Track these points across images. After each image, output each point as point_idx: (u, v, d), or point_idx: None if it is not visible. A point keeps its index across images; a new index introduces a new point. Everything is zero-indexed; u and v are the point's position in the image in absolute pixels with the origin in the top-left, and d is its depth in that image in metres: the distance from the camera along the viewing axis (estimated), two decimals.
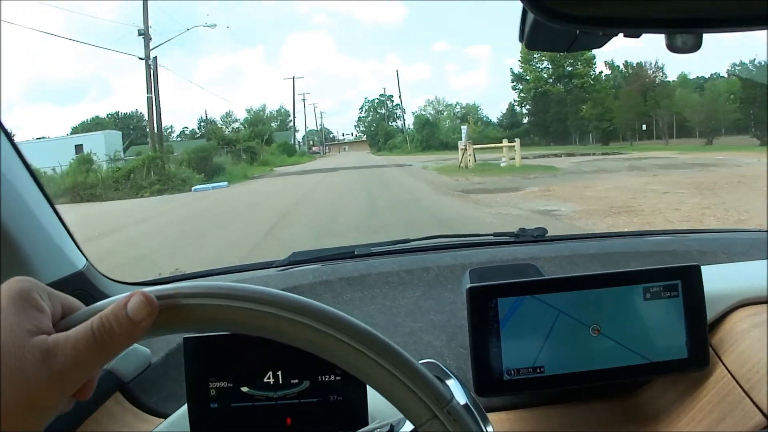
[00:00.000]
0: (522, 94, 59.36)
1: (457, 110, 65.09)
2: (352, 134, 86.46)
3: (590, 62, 55.38)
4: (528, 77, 58.57)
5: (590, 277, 1.17)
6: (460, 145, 27.32)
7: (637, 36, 0.76)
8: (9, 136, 1.14)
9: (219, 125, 62.33)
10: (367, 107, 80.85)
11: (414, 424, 0.63)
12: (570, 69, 56.27)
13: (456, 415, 0.62)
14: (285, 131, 72.17)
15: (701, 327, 1.18)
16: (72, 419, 1.13)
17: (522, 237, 1.72)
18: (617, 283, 1.16)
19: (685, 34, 0.73)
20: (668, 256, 1.54)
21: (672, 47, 0.73)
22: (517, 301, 1.14)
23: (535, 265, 1.42)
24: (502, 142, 28.54)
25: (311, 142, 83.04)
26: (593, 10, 0.71)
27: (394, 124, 74.73)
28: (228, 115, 67.81)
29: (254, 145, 43.55)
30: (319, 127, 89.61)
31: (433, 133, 58.26)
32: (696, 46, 0.72)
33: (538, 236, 1.71)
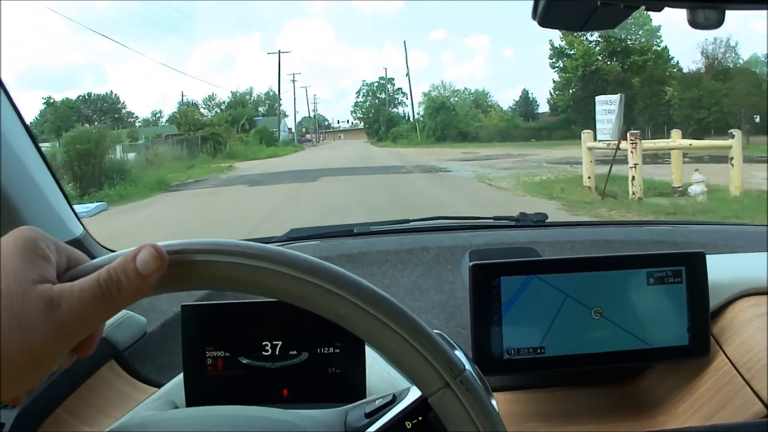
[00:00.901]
0: (566, 74, 45.20)
1: (465, 96, 57.46)
2: (348, 122, 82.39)
3: (654, 33, 42.97)
4: (573, 52, 44.47)
5: (594, 259, 1.16)
6: (599, 139, 12.88)
7: (659, 10, 0.74)
8: (14, 105, 1.13)
9: (200, 109, 58.42)
10: (364, 91, 73.94)
11: (424, 393, 0.61)
12: (628, 43, 43.04)
13: (469, 386, 0.60)
14: (273, 116, 66.16)
15: (704, 315, 1.17)
16: (66, 386, 1.11)
17: (522, 221, 1.71)
18: (621, 267, 1.15)
19: (707, 9, 0.71)
20: (669, 246, 1.53)
21: (694, 23, 0.71)
22: (519, 280, 1.13)
23: (534, 249, 1.41)
24: (629, 138, 11.62)
25: (304, 130, 78.66)
26: None
27: (395, 110, 68.17)
28: (211, 98, 63.04)
29: (219, 131, 37.09)
30: (312, 113, 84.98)
31: (450, 120, 48.81)
32: (719, 21, 0.71)
33: (539, 221, 1.70)
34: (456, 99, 55.24)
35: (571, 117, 44.11)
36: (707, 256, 1.19)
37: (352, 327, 0.60)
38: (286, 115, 67.87)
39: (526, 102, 54.86)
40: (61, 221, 1.25)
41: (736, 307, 1.22)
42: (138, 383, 1.25)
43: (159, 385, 1.20)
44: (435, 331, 0.75)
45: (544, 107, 53.35)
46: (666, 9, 0.74)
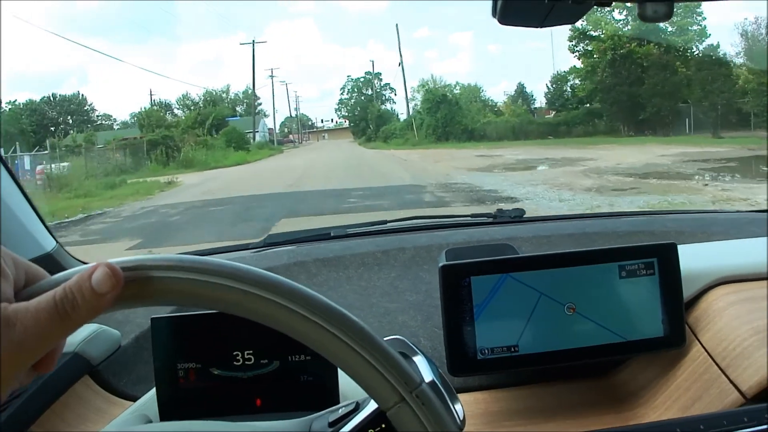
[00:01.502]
0: (591, 58, 35.95)
1: (456, 91, 47.59)
2: (332, 120, 75.63)
3: (695, 11, 31.82)
4: (600, 33, 34.96)
5: (564, 255, 1.16)
6: None
7: (609, 5, 0.75)
8: None
9: (174, 109, 50.79)
10: (350, 87, 65.34)
11: (382, 408, 0.61)
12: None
13: (425, 399, 0.60)
14: (255, 115, 59.48)
15: (678, 305, 1.17)
16: (40, 403, 1.11)
17: (500, 218, 1.71)
18: (592, 262, 1.15)
19: (656, 2, 0.72)
20: (646, 236, 1.54)
21: (643, 16, 0.72)
22: (490, 279, 1.12)
23: (511, 245, 1.40)
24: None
25: (287, 130, 73.62)
26: None
27: (383, 106, 59.45)
28: (185, 97, 54.23)
29: (174, 134, 32.30)
30: (294, 112, 78.80)
31: (453, 116, 40.87)
32: (667, 15, 0.71)
33: (516, 217, 1.70)
34: (458, 91, 46.85)
35: (596, 110, 37.39)
36: (681, 246, 1.19)
37: (307, 341, 0.60)
38: (266, 115, 61.93)
39: (522, 96, 48.17)
40: (32, 236, 1.24)
41: (710, 296, 1.22)
42: (114, 398, 1.24)
43: (135, 399, 1.20)
44: (394, 336, 0.75)
45: (540, 101, 46.72)
46: (614, 4, 0.74)
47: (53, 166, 21.18)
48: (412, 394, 0.60)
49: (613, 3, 0.74)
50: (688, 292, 1.20)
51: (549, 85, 43.88)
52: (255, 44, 52.94)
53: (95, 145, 29.67)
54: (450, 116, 41.13)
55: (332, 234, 1.66)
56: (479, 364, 1.13)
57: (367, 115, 58.81)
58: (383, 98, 61.69)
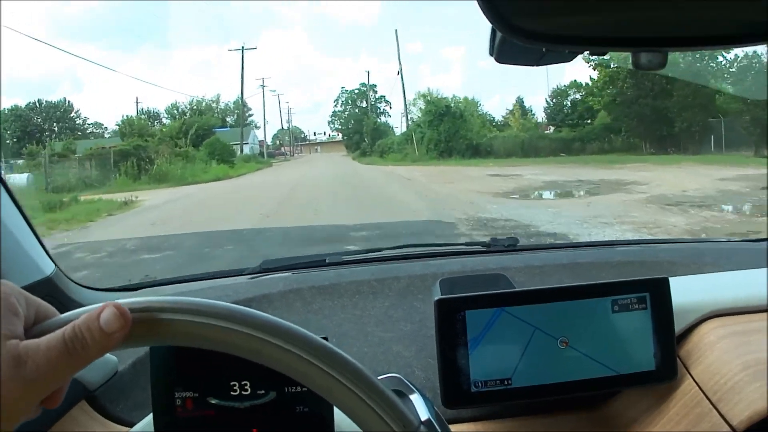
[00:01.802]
0: (610, 68, 31.57)
1: (451, 105, 42.08)
2: (324, 133, 74.54)
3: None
4: None
5: (558, 289, 1.17)
6: None
7: (603, 54, 0.76)
8: None
9: (163, 119, 48.50)
10: (344, 99, 64.12)
11: None
12: None
13: None
14: (244, 126, 55.93)
15: (669, 339, 1.18)
16: (37, 427, 1.11)
17: (493, 247, 1.72)
18: (586, 296, 1.16)
19: (650, 52, 0.73)
20: (638, 266, 1.55)
21: (637, 64, 0.73)
22: (484, 313, 1.14)
23: (505, 276, 1.42)
24: None
25: (279, 142, 72.04)
26: (558, 29, 0.71)
27: (379, 119, 57.79)
28: (174, 106, 52.11)
29: (149, 144, 28.92)
30: (287, 124, 76.89)
31: (457, 130, 37.26)
32: (661, 64, 0.73)
33: (510, 246, 1.72)
34: (460, 104, 41.87)
35: (613, 125, 34.45)
36: (673, 279, 1.21)
37: (309, 383, 0.62)
38: (257, 126, 59.58)
39: (522, 111, 45.82)
40: (32, 260, 1.25)
41: (702, 330, 1.23)
42: (110, 423, 1.25)
43: (131, 425, 1.20)
44: (391, 375, 0.77)
45: (539, 116, 44.63)
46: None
47: (10, 177, 18.48)
48: None
49: (609, 52, 0.76)
50: (679, 325, 1.22)
51: (549, 99, 42.88)
52: (244, 51, 50.72)
53: (75, 153, 27.56)
54: (453, 130, 37.73)
55: (327, 261, 1.67)
56: (473, 396, 1.14)
57: (361, 128, 57.11)
58: (378, 111, 59.86)
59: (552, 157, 32.75)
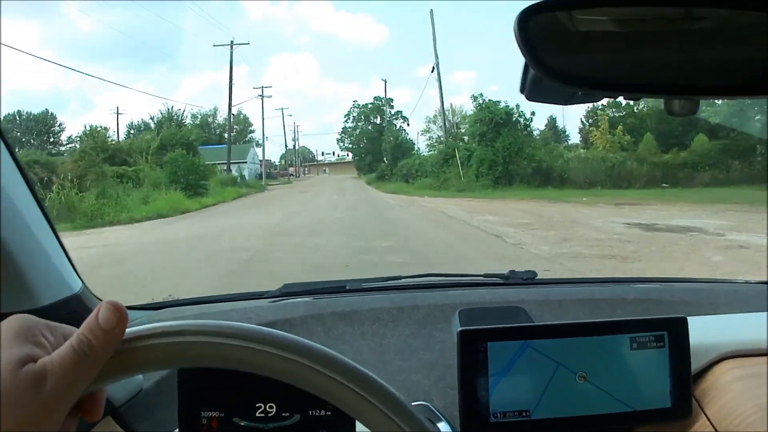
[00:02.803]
0: None
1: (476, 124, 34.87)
2: (333, 153, 69.06)
3: None
4: None
5: (579, 325, 1.19)
6: None
7: (637, 99, 0.79)
8: (13, 154, 1.15)
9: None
10: (355, 115, 56.44)
11: None
12: None
13: None
14: (244, 143, 53.70)
15: (686, 378, 1.20)
16: None
17: (512, 279, 1.74)
18: (606, 332, 1.18)
19: (682, 99, 0.76)
20: (654, 304, 1.56)
21: (670, 111, 0.76)
22: (506, 345, 1.15)
23: (524, 309, 1.44)
24: None
25: (285, 162, 67.96)
26: (594, 75, 0.74)
27: (401, 134, 49.22)
28: (152, 117, 47.72)
29: (47, 160, 24.07)
30: (292, 143, 71.26)
31: (520, 147, 28.35)
32: (693, 110, 0.75)
33: (528, 279, 1.73)
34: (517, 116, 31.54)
35: (730, 145, 25.74)
36: (690, 318, 1.22)
37: (337, 402, 0.64)
38: (258, 144, 54.25)
39: (554, 132, 40.45)
40: (61, 277, 1.26)
41: (717, 370, 1.25)
42: None
43: None
44: (420, 402, 0.79)
45: (573, 137, 39.36)
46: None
47: None
48: None
49: (642, 98, 0.78)
50: (695, 364, 1.22)
51: (584, 120, 36.94)
52: (233, 46, 42.45)
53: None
54: (515, 147, 27.92)
55: (347, 287, 1.69)
56: (492, 426, 1.15)
57: (374, 148, 51.07)
58: (394, 129, 50.92)
59: (650, 189, 24.45)
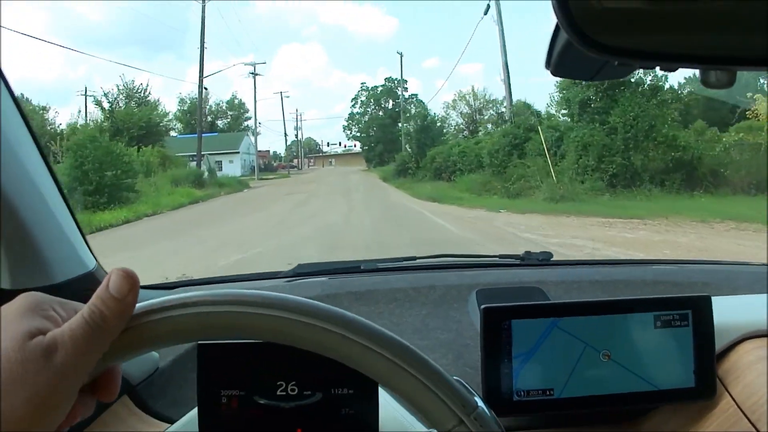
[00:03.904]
0: None
1: (502, 110, 30.76)
2: (339, 144, 63.05)
3: None
4: None
5: (603, 302, 1.18)
6: None
7: (674, 70, 0.77)
8: (33, 133, 1.14)
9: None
10: (363, 99, 49.43)
11: (440, 430, 0.64)
12: None
13: (483, 422, 0.63)
14: (239, 131, 46.80)
15: (710, 357, 1.19)
16: (79, 421, 1.12)
17: (528, 260, 1.73)
18: (629, 310, 1.17)
19: (719, 70, 0.74)
20: (672, 286, 1.55)
21: (706, 82, 0.74)
22: (529, 323, 1.15)
23: (541, 289, 1.43)
24: None
25: (288, 154, 61.11)
26: (634, 42, 0.72)
27: (405, 125, 38.14)
28: (105, 94, 36.07)
29: None
30: (296, 133, 64.84)
31: (651, 128, 17.72)
32: (730, 82, 0.73)
33: (544, 260, 1.72)
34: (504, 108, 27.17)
35: None
36: (714, 298, 1.21)
37: (365, 370, 0.63)
38: (257, 132, 45.53)
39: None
40: (77, 254, 1.26)
41: (740, 350, 1.24)
42: (150, 419, 1.26)
43: (171, 421, 1.21)
44: (454, 377, 0.78)
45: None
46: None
47: None
48: (470, 417, 0.63)
49: (678, 68, 0.76)
50: (719, 344, 1.22)
51: None
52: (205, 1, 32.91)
53: None
54: (644, 124, 17.89)
55: (362, 267, 1.68)
56: (515, 405, 1.14)
57: (386, 136, 44.28)
58: (408, 116, 40.58)
59: None
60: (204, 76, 33.79)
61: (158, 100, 37.94)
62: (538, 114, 24.32)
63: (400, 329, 1.41)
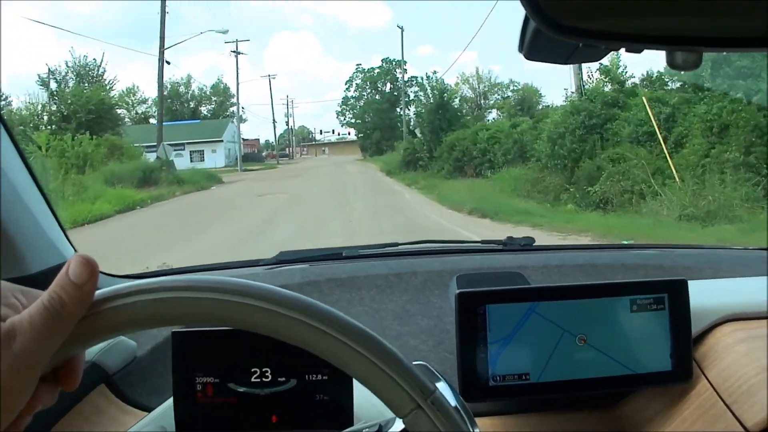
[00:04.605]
0: None
1: (508, 95, 30.06)
2: (333, 132, 60.07)
3: None
4: None
5: (579, 287, 1.18)
6: None
7: (639, 51, 0.77)
8: (3, 122, 1.13)
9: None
10: (358, 82, 45.50)
11: (398, 415, 0.63)
12: None
13: (440, 406, 0.62)
14: (224, 118, 42.85)
15: (686, 341, 1.19)
16: (56, 410, 1.12)
17: (510, 245, 1.73)
18: (605, 294, 1.17)
19: (686, 51, 0.73)
20: (654, 270, 1.55)
21: (672, 64, 0.74)
22: (505, 308, 1.14)
23: (521, 274, 1.43)
24: None
25: (278, 143, 56.00)
26: (597, 23, 0.72)
27: (415, 104, 34.77)
28: (130, 92, 37.35)
29: None
30: (286, 119, 61.17)
31: None
32: (696, 63, 0.73)
33: (526, 245, 1.72)
34: (510, 93, 25.85)
35: None
36: (691, 282, 1.21)
37: (322, 353, 0.62)
38: (243, 119, 43.11)
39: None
40: (53, 245, 1.25)
41: (718, 333, 1.24)
42: (128, 407, 1.25)
43: (149, 410, 1.21)
44: (417, 362, 0.77)
45: None
46: (645, 51, 0.77)
47: None
48: (427, 401, 0.62)
49: (644, 50, 0.76)
50: (696, 327, 1.22)
51: None
52: None
53: None
54: None
55: (344, 254, 1.68)
56: (491, 390, 1.14)
57: (383, 122, 40.31)
58: (408, 100, 37.60)
59: None
60: (165, 47, 26.84)
61: (115, 79, 33.59)
62: (623, 82, 16.75)
63: (381, 315, 1.41)
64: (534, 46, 0.82)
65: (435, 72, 31.04)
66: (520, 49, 0.84)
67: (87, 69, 31.06)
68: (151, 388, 1.28)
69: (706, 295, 1.29)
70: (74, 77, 30.17)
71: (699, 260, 1.62)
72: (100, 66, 31.55)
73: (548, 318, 1.15)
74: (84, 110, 23.25)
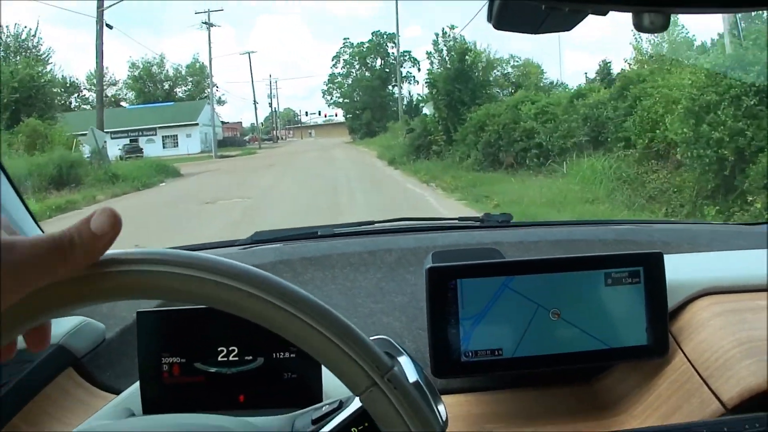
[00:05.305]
0: None
1: (508, 71, 24.19)
2: (319, 113, 54.53)
3: None
4: None
5: (552, 260, 1.17)
6: None
7: (604, 14, 0.75)
8: None
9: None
10: (346, 57, 42.01)
11: (354, 393, 0.61)
12: None
13: (397, 383, 0.60)
14: (201, 99, 38.96)
15: (662, 314, 1.18)
16: (23, 394, 1.10)
17: (487, 222, 1.71)
18: (579, 268, 1.16)
19: (653, 13, 0.72)
20: (632, 245, 1.54)
21: (639, 26, 0.72)
22: (476, 282, 1.13)
23: (497, 249, 1.41)
24: None
25: (263, 125, 52.77)
26: None
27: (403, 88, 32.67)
28: (40, 59, 27.11)
29: None
30: (270, 100, 58.98)
31: None
32: (664, 26, 0.71)
33: (503, 221, 1.71)
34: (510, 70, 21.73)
35: None
36: (667, 256, 1.20)
37: (278, 329, 0.59)
38: (222, 101, 41.02)
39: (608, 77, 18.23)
40: (18, 228, 1.23)
41: (694, 307, 1.23)
42: (97, 390, 1.24)
43: (118, 392, 1.19)
44: (379, 336, 0.75)
45: None
46: (611, 13, 0.75)
47: None
48: (383, 378, 0.60)
49: (610, 11, 0.74)
50: (672, 301, 1.21)
51: None
52: None
53: None
54: None
55: (319, 233, 1.66)
56: (463, 366, 1.13)
57: (374, 101, 36.43)
58: (401, 77, 34.92)
59: None
60: (104, 7, 21.17)
61: (50, 50, 29.02)
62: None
63: (354, 293, 1.39)
64: (502, 15, 0.80)
65: (453, 27, 22.92)
66: (489, 18, 0.82)
67: (17, 39, 26.80)
68: (120, 370, 1.26)
69: (682, 269, 1.28)
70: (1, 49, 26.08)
71: (677, 235, 1.62)
72: (33, 35, 27.56)
73: (522, 293, 1.14)
74: (8, 88, 19.49)
